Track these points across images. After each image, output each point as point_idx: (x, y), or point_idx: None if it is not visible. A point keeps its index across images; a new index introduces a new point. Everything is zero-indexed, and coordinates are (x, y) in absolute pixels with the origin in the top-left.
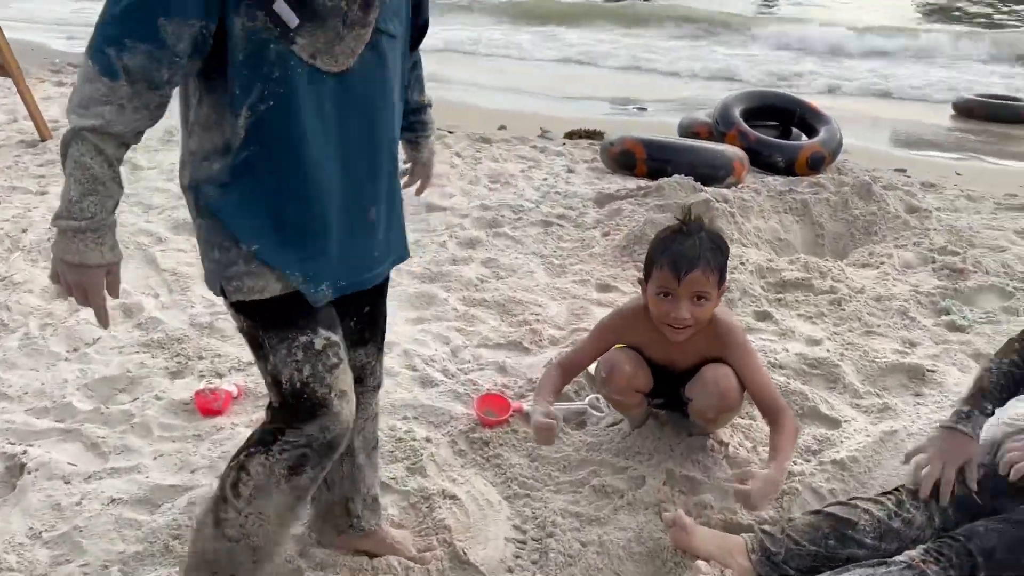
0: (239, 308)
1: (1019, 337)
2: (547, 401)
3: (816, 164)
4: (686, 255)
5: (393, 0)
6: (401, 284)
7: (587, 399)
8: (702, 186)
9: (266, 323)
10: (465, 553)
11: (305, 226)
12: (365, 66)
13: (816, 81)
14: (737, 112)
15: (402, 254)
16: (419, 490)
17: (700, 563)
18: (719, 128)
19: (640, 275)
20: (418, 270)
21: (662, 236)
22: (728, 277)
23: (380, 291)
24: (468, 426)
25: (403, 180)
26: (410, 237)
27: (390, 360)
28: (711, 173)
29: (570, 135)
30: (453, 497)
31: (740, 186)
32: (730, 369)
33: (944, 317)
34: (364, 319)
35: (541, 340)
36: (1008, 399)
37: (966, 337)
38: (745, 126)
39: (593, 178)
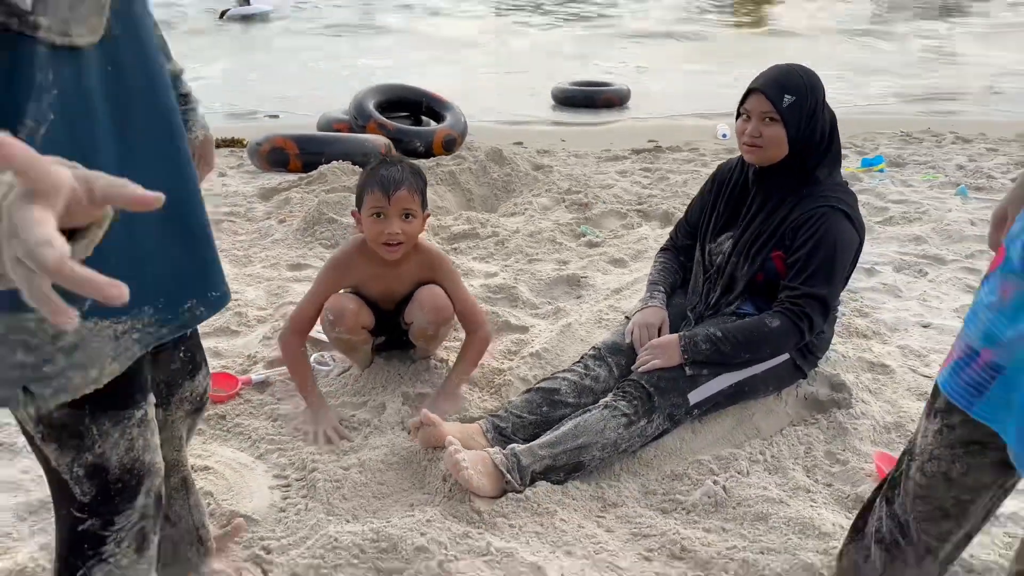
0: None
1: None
2: (318, 396)
3: (449, 145)
4: (393, 178)
5: None
6: None
7: (312, 357)
8: (361, 170)
9: (96, 411)
10: (234, 509)
11: (131, 249)
12: (120, 22)
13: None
14: (371, 106)
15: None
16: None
17: (448, 437)
18: (358, 122)
19: (352, 211)
20: None
21: (369, 168)
22: None
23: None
24: None
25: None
26: None
27: None
28: (364, 160)
29: None
30: (205, 468)
31: None
32: (439, 288)
33: (583, 239)
34: (191, 342)
35: (248, 320)
36: (679, 279)
37: (602, 249)
38: (382, 118)
39: (249, 178)
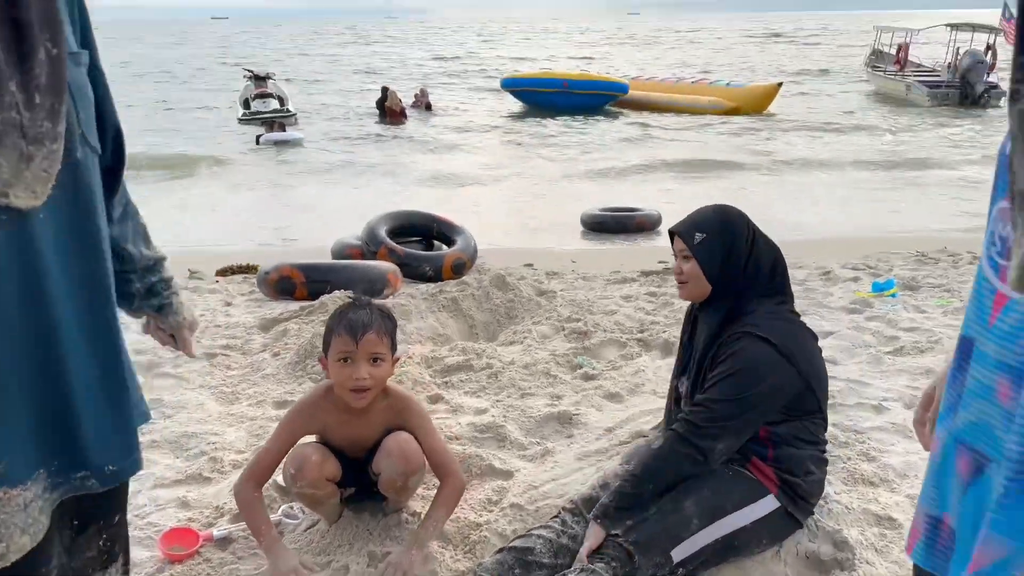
0: None
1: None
2: (273, 538)
3: (459, 268)
4: (361, 321)
5: (83, 101)
6: None
7: (280, 510)
8: (363, 298)
9: None
10: None
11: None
12: (66, 192)
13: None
14: (383, 232)
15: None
16: None
17: None
18: (369, 248)
19: (320, 356)
20: None
21: (337, 311)
22: (399, 369)
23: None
24: (155, 567)
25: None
26: None
27: None
28: (369, 287)
29: (222, 272)
30: None
31: (397, 294)
32: (409, 435)
33: (579, 370)
34: (116, 529)
35: (223, 467)
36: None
37: (598, 382)
38: (392, 243)
39: (254, 307)
